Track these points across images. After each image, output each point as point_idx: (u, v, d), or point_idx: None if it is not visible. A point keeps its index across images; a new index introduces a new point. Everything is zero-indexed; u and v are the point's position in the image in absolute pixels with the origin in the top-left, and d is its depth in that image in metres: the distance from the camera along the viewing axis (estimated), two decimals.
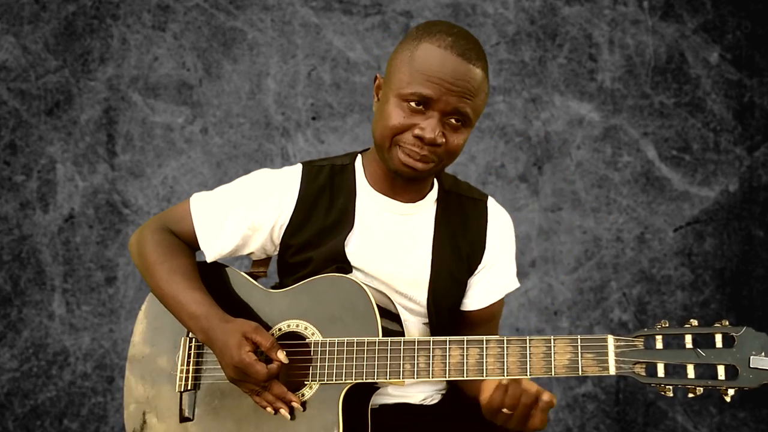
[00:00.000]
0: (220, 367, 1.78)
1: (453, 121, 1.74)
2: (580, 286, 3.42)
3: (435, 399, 1.94)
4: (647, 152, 3.43)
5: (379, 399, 1.86)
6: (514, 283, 1.98)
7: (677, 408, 3.41)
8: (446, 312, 1.92)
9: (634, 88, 3.44)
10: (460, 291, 1.94)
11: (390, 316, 1.78)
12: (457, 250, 1.91)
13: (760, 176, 3.43)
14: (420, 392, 1.91)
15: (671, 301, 3.42)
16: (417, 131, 1.72)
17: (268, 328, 1.82)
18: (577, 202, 3.43)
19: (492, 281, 1.94)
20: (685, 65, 3.44)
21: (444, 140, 1.74)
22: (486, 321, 1.97)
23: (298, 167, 1.94)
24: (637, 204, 3.43)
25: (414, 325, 1.90)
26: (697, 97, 3.44)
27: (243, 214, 1.89)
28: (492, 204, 1.98)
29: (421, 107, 1.72)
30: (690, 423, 3.40)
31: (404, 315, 1.87)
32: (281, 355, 1.71)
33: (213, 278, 1.92)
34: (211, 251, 1.92)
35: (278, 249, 1.94)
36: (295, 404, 1.72)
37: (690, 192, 3.43)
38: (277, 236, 1.91)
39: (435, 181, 1.96)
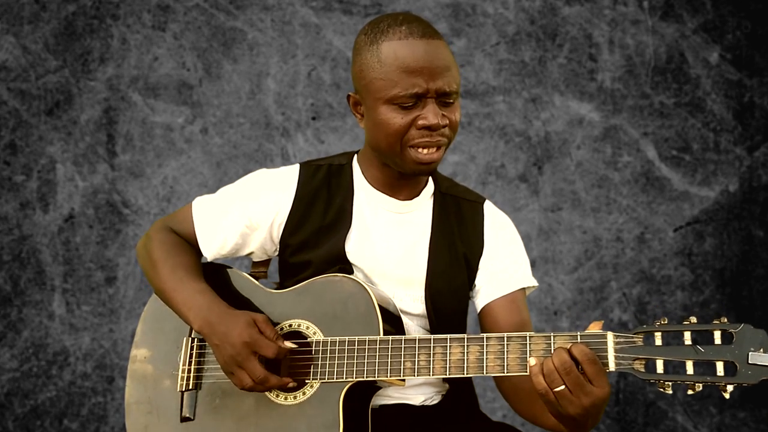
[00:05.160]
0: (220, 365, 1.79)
1: (445, 100, 1.77)
2: (580, 286, 3.43)
3: (435, 400, 1.93)
4: (647, 152, 3.44)
5: (379, 400, 1.86)
6: (526, 280, 1.94)
7: (677, 408, 3.41)
8: (448, 315, 1.90)
9: (634, 88, 3.44)
10: (461, 295, 1.93)
11: (391, 316, 1.79)
12: (454, 251, 1.91)
13: (760, 176, 3.44)
14: (421, 394, 1.91)
15: (671, 301, 3.42)
16: (421, 122, 1.75)
17: None
18: (577, 202, 3.43)
19: (495, 276, 1.92)
20: (685, 65, 3.45)
21: (447, 120, 1.77)
22: (511, 327, 1.88)
23: (296, 167, 1.95)
24: (637, 204, 3.44)
25: (414, 330, 1.90)
26: (697, 97, 3.44)
27: (241, 211, 1.91)
28: (488, 206, 1.99)
29: (413, 101, 1.75)
30: (690, 423, 3.41)
31: (404, 319, 1.86)
32: (289, 344, 1.72)
33: (215, 278, 1.92)
34: (210, 249, 1.94)
35: (278, 249, 1.95)
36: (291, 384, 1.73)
37: (690, 192, 3.44)
38: (277, 235, 1.92)
39: (429, 177, 1.97)
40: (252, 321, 1.72)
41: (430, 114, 1.74)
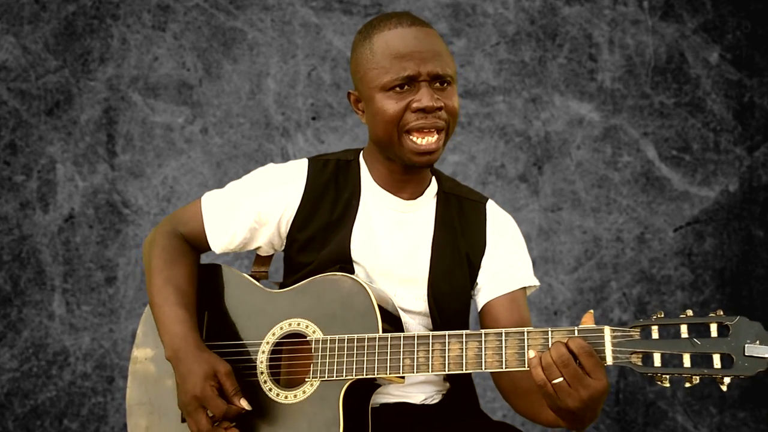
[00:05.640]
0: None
1: (439, 84, 1.79)
2: (580, 286, 3.43)
3: (436, 399, 1.94)
4: (647, 152, 3.44)
5: (380, 398, 1.86)
6: (527, 279, 1.95)
7: (677, 408, 3.41)
8: (450, 314, 1.90)
9: (634, 88, 3.45)
10: (463, 294, 1.93)
11: (390, 315, 1.79)
12: (457, 250, 1.92)
13: (760, 176, 3.44)
14: (421, 392, 1.91)
15: (671, 301, 3.42)
16: (415, 104, 1.77)
17: (270, 327, 1.82)
18: (577, 202, 3.43)
19: (497, 275, 1.92)
20: (685, 65, 3.45)
21: (442, 103, 1.78)
22: (511, 326, 1.86)
23: (304, 161, 1.95)
24: (637, 204, 3.44)
25: (415, 329, 1.90)
26: (697, 97, 3.45)
27: (250, 207, 1.91)
28: (491, 205, 1.99)
29: (406, 87, 1.77)
30: (690, 423, 3.40)
31: (405, 318, 1.86)
32: (244, 403, 1.72)
33: (215, 279, 1.93)
34: (219, 244, 1.94)
35: (285, 244, 1.95)
36: None
37: (690, 192, 3.44)
38: (285, 230, 1.92)
39: (433, 177, 1.98)
40: (212, 373, 1.73)
41: (424, 96, 1.76)
